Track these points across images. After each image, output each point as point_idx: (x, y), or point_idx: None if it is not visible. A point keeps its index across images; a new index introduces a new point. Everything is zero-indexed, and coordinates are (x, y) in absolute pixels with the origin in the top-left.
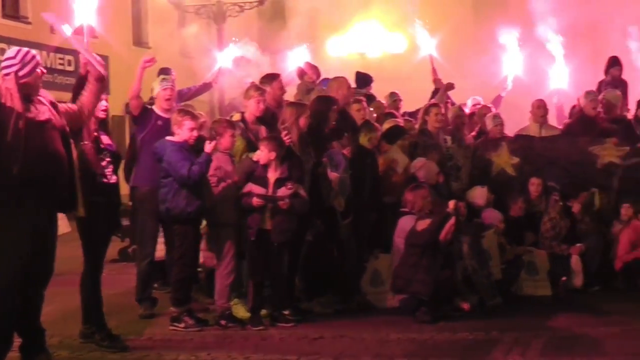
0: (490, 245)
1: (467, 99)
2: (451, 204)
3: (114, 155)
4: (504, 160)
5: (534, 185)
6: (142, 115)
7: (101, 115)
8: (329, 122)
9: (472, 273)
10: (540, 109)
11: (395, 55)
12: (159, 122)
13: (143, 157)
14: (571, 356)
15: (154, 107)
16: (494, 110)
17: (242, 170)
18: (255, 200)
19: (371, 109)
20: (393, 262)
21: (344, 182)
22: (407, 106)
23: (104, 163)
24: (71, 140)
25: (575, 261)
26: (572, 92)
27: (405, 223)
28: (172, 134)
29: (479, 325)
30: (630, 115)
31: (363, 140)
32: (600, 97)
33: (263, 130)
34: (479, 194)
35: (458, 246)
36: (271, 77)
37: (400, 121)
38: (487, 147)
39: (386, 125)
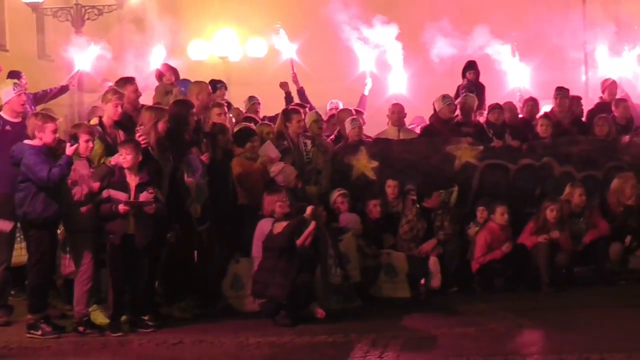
0: (349, 248)
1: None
2: (309, 210)
3: None
4: (364, 164)
5: (390, 187)
6: None
7: None
8: (188, 126)
9: (330, 276)
10: (395, 113)
11: (255, 60)
12: (7, 127)
13: None
14: (428, 356)
15: (1, 113)
16: (356, 112)
17: (100, 176)
18: (122, 207)
19: (230, 115)
20: (253, 266)
21: (201, 187)
22: (266, 110)
23: None
24: None
25: (433, 263)
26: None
27: (263, 226)
28: (23, 139)
29: (337, 327)
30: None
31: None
32: (458, 101)
33: (121, 135)
34: (335, 198)
35: (325, 250)
36: (125, 81)
37: (252, 124)
38: (346, 151)
39: (235, 128)
